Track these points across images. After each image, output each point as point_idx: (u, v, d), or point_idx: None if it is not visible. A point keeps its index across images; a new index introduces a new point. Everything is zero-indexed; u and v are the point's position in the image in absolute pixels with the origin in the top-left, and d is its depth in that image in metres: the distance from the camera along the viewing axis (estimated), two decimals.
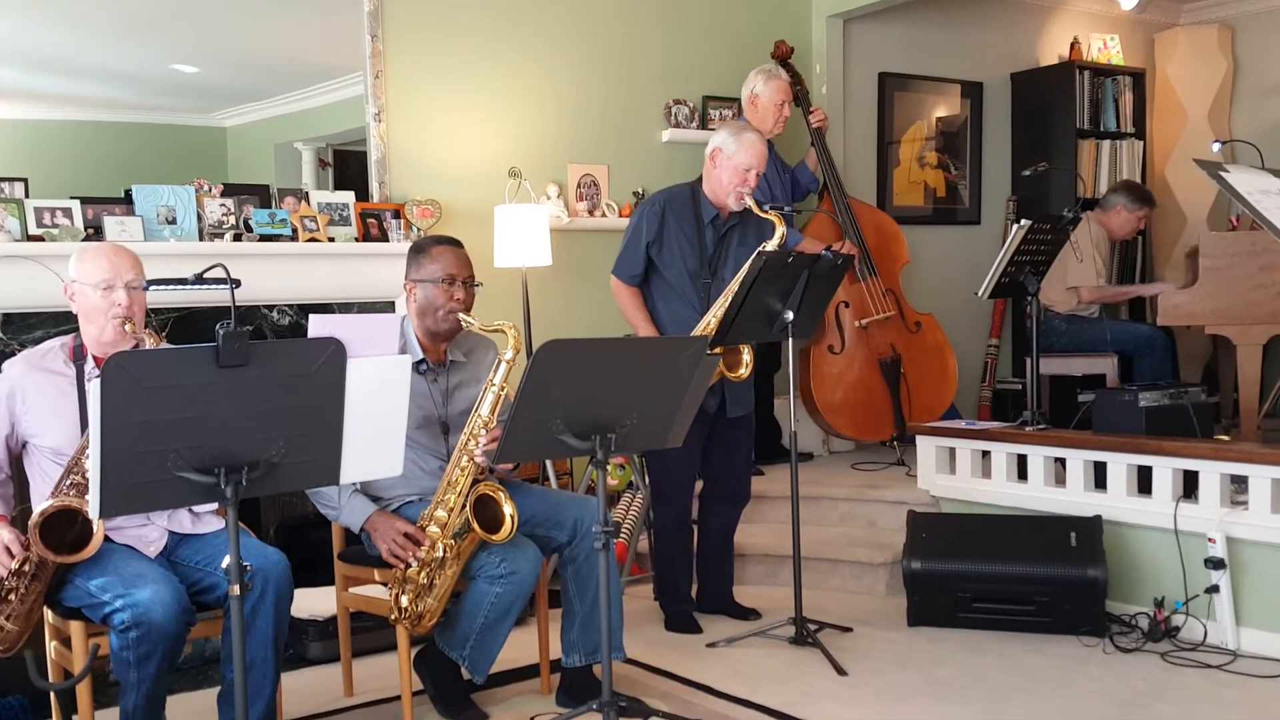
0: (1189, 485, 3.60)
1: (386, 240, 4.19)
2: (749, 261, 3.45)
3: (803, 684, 3.26)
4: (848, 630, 3.70)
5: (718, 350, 3.41)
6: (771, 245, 3.49)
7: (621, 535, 4.22)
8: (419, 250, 3.11)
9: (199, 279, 2.38)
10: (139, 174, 3.80)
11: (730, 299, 3.45)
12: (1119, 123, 6.41)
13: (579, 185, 4.84)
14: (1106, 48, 6.43)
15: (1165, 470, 3.62)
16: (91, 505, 1.98)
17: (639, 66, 5.01)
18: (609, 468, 2.91)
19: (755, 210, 3.57)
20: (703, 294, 3.66)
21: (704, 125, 5.12)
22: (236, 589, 2.12)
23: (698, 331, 3.53)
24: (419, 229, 4.24)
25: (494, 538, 2.83)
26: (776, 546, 4.26)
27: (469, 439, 2.88)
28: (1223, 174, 2.57)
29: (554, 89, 4.78)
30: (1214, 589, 3.46)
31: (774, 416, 5.02)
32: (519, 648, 3.29)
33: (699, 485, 3.92)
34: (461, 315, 3.01)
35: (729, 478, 3.85)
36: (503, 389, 2.90)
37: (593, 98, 4.88)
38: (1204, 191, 6.47)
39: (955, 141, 6.10)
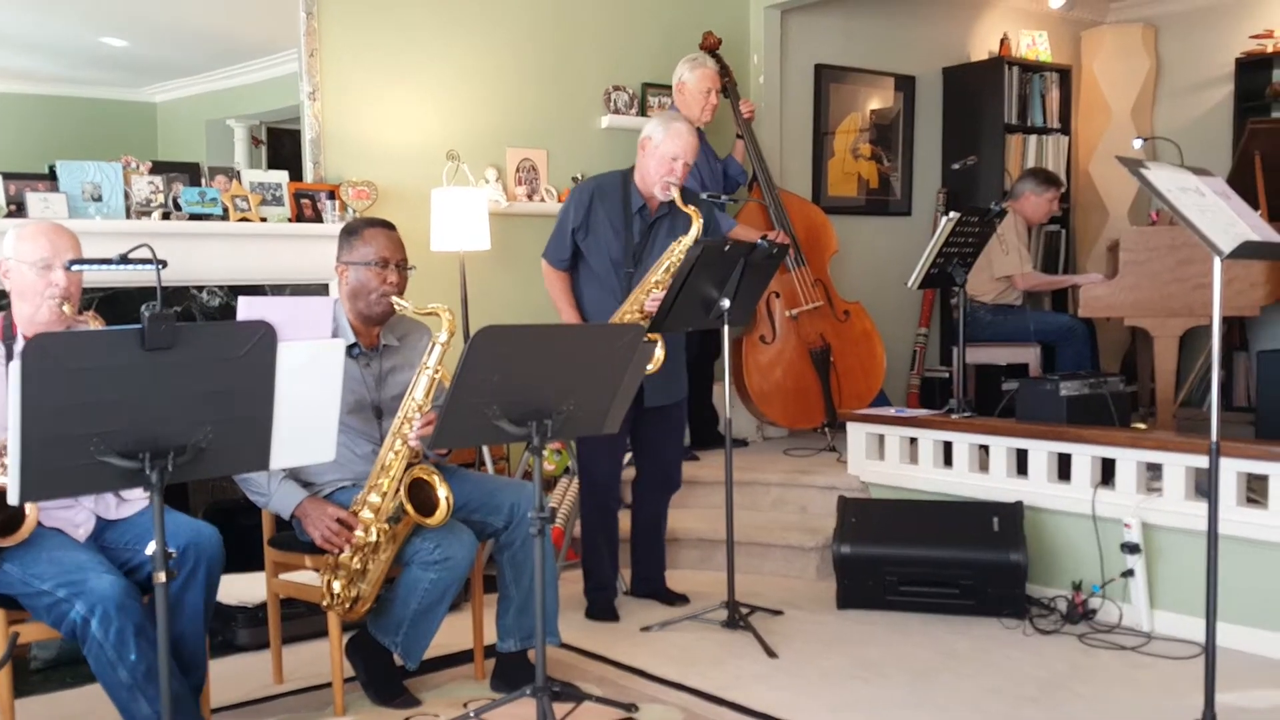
0: (1107, 472, 3.71)
1: (321, 221, 4.13)
2: (678, 249, 3.46)
3: (735, 667, 3.31)
4: (779, 613, 3.75)
5: (651, 338, 3.42)
6: (687, 240, 3.47)
7: (557, 521, 4.22)
8: (351, 232, 3.08)
9: (124, 259, 2.32)
10: (64, 149, 3.70)
11: (636, 288, 3.46)
12: (1045, 118, 6.55)
13: (518, 169, 4.81)
14: (1035, 44, 6.56)
15: (1084, 458, 3.73)
16: (10, 489, 1.92)
17: (579, 52, 5.00)
18: (545, 453, 2.90)
19: (678, 202, 3.54)
20: (624, 283, 3.65)
21: (643, 112, 5.13)
22: (162, 576, 2.09)
23: (615, 320, 3.52)
24: (354, 210, 4.19)
25: (429, 521, 2.82)
26: (710, 531, 4.30)
27: (403, 423, 2.86)
28: (1143, 170, 2.63)
29: (494, 72, 4.75)
30: (1129, 573, 3.57)
31: (712, 404, 5.06)
32: (453, 633, 3.29)
33: (632, 473, 3.94)
34: (394, 299, 2.99)
35: (662, 466, 3.87)
36: (437, 372, 2.88)
37: (532, 82, 4.86)
38: (1126, 187, 6.65)
39: (888, 133, 6.19)
